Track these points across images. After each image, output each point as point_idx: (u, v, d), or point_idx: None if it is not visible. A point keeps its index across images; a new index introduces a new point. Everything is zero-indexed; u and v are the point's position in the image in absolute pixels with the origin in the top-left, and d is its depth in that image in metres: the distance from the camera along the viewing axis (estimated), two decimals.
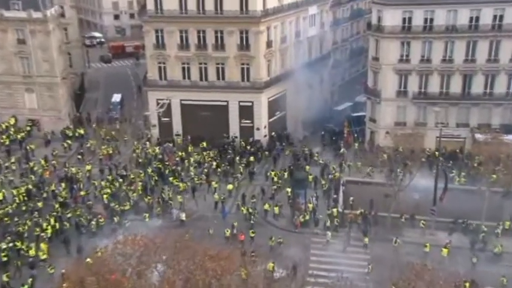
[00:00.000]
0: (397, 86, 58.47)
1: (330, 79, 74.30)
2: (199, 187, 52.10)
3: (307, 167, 54.74)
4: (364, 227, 44.26)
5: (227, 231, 42.96)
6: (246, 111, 60.50)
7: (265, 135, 61.98)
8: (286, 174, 53.31)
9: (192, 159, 56.91)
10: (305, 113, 63.50)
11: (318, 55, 71.42)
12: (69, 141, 61.19)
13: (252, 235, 43.07)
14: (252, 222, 45.12)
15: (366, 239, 42.66)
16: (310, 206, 47.65)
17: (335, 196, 49.34)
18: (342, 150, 58.33)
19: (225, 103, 60.44)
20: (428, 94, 58.07)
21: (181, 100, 60.73)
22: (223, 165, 55.50)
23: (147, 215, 46.64)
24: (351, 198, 49.15)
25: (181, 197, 48.56)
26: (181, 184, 50.99)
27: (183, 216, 45.99)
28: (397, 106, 58.95)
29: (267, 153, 59.11)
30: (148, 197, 49.08)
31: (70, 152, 60.11)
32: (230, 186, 51.12)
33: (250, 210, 46.61)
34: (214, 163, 55.45)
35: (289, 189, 48.78)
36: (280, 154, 58.39)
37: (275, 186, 50.24)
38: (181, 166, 55.61)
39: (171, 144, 59.35)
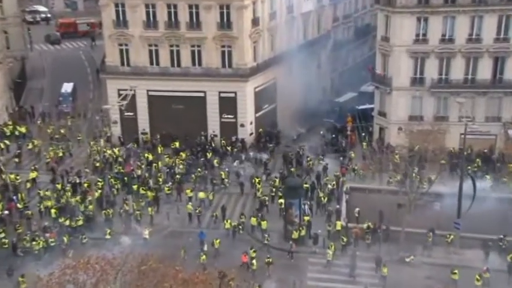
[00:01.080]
0: (412, 72, 58.75)
1: (330, 64, 74.55)
2: (170, 197, 52.25)
3: (293, 169, 55.01)
4: (377, 257, 43.10)
5: (201, 256, 42.34)
6: (228, 104, 60.62)
7: (251, 133, 62.08)
8: (277, 180, 53.36)
9: (160, 163, 56.80)
10: (300, 106, 63.88)
11: (315, 35, 71.82)
12: (6, 142, 60.66)
13: (254, 255, 42.83)
14: (266, 242, 44.99)
15: (385, 270, 41.71)
16: (306, 218, 47.51)
17: (337, 206, 49.20)
18: (349, 152, 58.86)
19: (202, 94, 60.49)
20: (451, 82, 58.34)
21: (148, 91, 60.84)
22: (199, 170, 55.57)
23: (108, 231, 45.92)
24: (356, 209, 48.94)
25: (151, 209, 48.73)
26: (149, 193, 50.88)
27: (146, 233, 45.61)
28: (412, 97, 59.26)
29: (252, 154, 59.27)
30: (108, 210, 48.55)
31: (8, 154, 59.38)
32: (202, 195, 51.15)
33: (238, 224, 46.84)
34: (181, 166, 55.71)
35: (281, 201, 48.69)
36: (265, 157, 58.13)
37: (266, 197, 50.44)
38: (149, 171, 55.65)
39: (135, 146, 58.66)
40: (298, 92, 62.74)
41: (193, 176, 54.70)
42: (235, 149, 59.74)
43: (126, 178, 50.78)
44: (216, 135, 61.51)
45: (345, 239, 45.19)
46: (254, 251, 43.20)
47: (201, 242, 44.47)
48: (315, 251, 45.30)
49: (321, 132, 63.30)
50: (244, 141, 60.95)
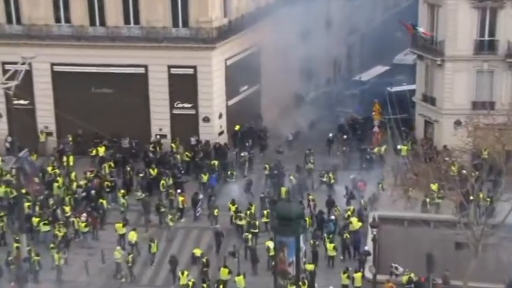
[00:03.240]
0: (477, 33, 59.24)
1: (346, 22, 74.48)
2: (88, 235, 52.15)
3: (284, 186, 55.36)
4: None
5: None
6: (184, 87, 61.50)
7: (221, 132, 63.00)
8: (252, 208, 53.71)
9: (74, 183, 56.92)
10: (297, 88, 66.02)
11: None
12: None
13: None
14: None
15: None
16: (309, 268, 46.94)
17: (366, 248, 48.67)
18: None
19: (141, 70, 61.35)
20: None
21: (52, 65, 61.55)
22: (135, 189, 56.46)
23: None
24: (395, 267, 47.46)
25: (59, 256, 48.51)
26: (57, 231, 50.80)
27: None
28: (477, 71, 59.93)
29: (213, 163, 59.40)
30: None
31: None
32: (133, 236, 50.94)
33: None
34: (82, 183, 56.05)
35: (270, 244, 48.74)
36: (214, 184, 58.22)
37: (249, 234, 51.07)
38: (53, 197, 55.61)
39: (33, 156, 57.95)
40: (295, 67, 63.42)
41: (122, 201, 54.57)
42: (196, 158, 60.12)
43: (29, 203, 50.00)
44: (164, 136, 61.73)
45: None
46: None
47: None
48: None
49: (330, 135, 63.70)
50: (209, 144, 61.59)
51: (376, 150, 60.77)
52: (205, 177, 57.44)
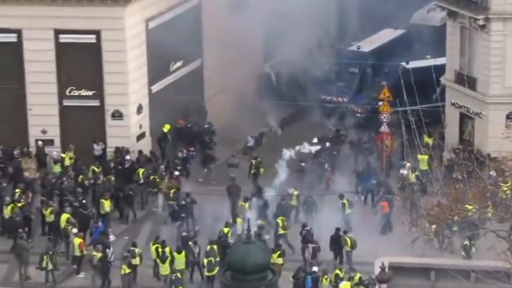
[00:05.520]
0: None
1: None
2: None
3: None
4: None
5: None
6: (81, 63, 63.45)
7: (140, 135, 64.86)
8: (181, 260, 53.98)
9: None
10: (261, 64, 68.73)
11: None
12: None
13: None
14: None
15: None
16: None
17: None
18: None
19: (11, 37, 62.78)
20: None
21: None
22: None
23: None
24: None
25: None
26: None
27: None
28: None
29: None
30: None
31: None
32: None
33: None
34: None
35: None
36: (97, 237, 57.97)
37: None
38: None
39: None
40: (259, 29, 66.22)
41: None
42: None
43: None
44: (49, 142, 63.07)
45: None
46: None
47: None
48: None
49: (314, 141, 65.43)
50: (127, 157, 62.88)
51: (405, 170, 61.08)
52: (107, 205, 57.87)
